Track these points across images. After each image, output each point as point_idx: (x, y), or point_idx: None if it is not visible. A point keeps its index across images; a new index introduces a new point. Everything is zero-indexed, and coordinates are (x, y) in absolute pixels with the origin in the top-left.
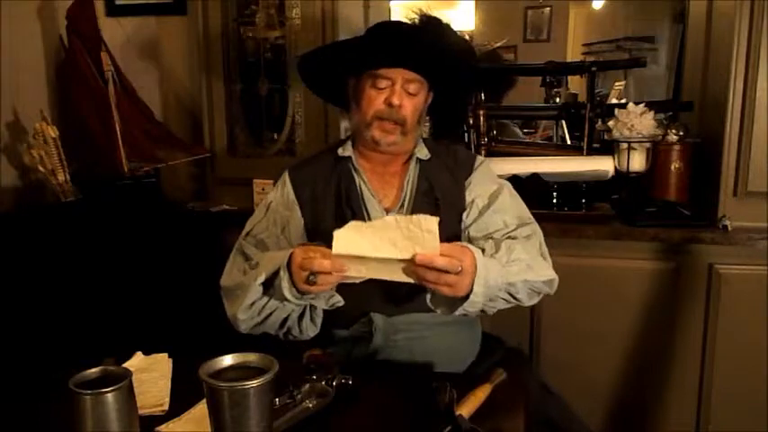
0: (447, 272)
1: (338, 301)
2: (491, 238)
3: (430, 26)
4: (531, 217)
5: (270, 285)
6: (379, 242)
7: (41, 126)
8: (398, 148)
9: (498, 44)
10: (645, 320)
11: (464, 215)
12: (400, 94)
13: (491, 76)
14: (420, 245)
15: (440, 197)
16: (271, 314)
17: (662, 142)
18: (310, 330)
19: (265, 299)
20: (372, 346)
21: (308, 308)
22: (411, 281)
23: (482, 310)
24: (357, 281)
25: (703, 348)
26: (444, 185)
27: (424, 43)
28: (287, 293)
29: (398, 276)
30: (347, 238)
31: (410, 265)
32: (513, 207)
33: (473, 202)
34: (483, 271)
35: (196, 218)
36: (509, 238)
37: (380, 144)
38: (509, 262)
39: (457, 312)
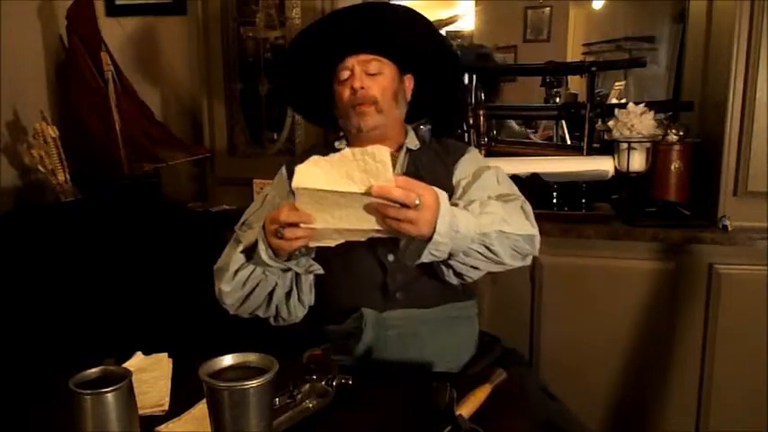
0: (407, 207)
1: (317, 268)
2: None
3: (372, 6)
4: (520, 194)
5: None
6: (338, 176)
7: (41, 126)
8: (382, 132)
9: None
10: (645, 320)
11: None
12: (360, 77)
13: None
14: (374, 177)
15: (426, 181)
16: (255, 287)
17: (662, 142)
18: (299, 311)
19: (249, 269)
20: (363, 341)
21: (295, 285)
22: (377, 227)
23: (460, 274)
24: (332, 244)
25: (703, 348)
26: (432, 170)
27: (364, 20)
28: (263, 255)
29: (365, 223)
30: (307, 173)
31: (372, 204)
32: (499, 185)
33: (459, 182)
34: (448, 212)
35: (196, 218)
36: None
37: (362, 129)
38: (482, 213)
39: (424, 258)
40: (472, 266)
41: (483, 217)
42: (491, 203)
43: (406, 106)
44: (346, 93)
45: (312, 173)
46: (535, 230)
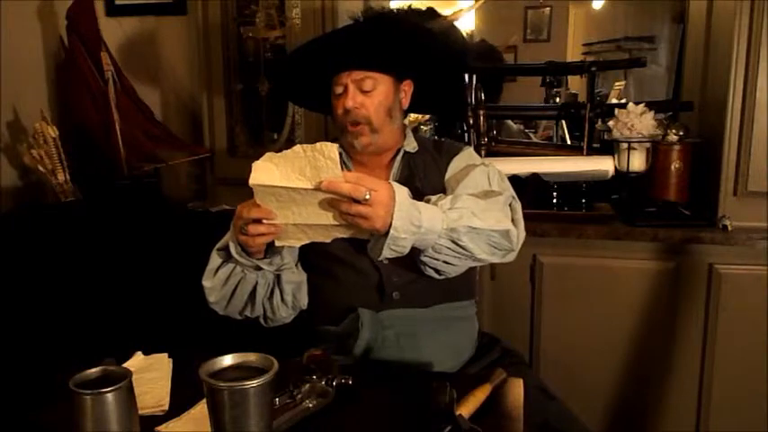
0: (358, 201)
1: (289, 268)
2: None
3: (370, 21)
4: (512, 192)
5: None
6: (291, 173)
7: (41, 126)
8: (376, 147)
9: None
10: (645, 320)
11: None
12: (353, 96)
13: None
14: (324, 173)
15: (420, 185)
16: (237, 286)
17: (662, 142)
18: (283, 311)
19: (229, 267)
20: (360, 341)
21: (276, 285)
22: (334, 222)
23: (437, 270)
24: (297, 244)
25: (703, 348)
26: (426, 174)
27: (357, 39)
28: (232, 251)
29: (323, 219)
30: (263, 170)
31: (326, 200)
32: (489, 183)
33: (448, 181)
34: (407, 207)
35: (196, 218)
36: None
37: (357, 147)
38: (451, 209)
39: (385, 253)
40: (445, 262)
41: (451, 212)
42: (463, 198)
43: (404, 114)
44: (340, 110)
45: (268, 169)
46: (512, 226)
